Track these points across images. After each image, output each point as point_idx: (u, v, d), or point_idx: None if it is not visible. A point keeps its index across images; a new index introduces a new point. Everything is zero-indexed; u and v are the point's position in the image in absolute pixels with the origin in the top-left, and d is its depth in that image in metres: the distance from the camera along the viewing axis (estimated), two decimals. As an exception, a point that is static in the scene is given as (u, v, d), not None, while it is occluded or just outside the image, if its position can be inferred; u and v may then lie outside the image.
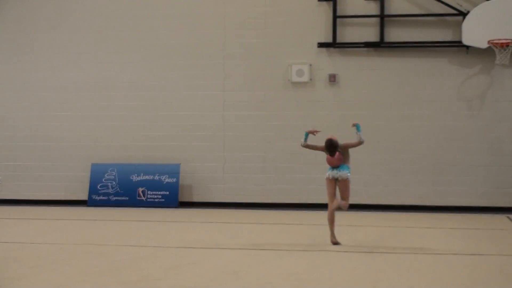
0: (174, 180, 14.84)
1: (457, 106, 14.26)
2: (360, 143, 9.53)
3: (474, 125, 14.21)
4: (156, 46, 15.19)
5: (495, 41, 13.41)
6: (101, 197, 15.05)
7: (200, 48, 15.04)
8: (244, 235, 10.33)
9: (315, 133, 9.84)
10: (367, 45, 14.43)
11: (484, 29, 13.49)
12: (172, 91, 15.11)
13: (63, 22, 15.51)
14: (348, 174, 9.44)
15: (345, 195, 9.48)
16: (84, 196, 15.28)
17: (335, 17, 14.45)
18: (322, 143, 9.59)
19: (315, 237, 9.88)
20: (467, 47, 13.92)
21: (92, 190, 15.10)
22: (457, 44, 14.04)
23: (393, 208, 14.25)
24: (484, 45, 13.58)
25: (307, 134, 9.80)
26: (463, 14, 13.90)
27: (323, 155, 9.55)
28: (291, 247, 8.87)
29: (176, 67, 15.11)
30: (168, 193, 14.85)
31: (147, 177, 14.99)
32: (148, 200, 14.91)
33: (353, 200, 14.06)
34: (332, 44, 14.49)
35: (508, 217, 13.02)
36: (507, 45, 13.40)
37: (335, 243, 9.34)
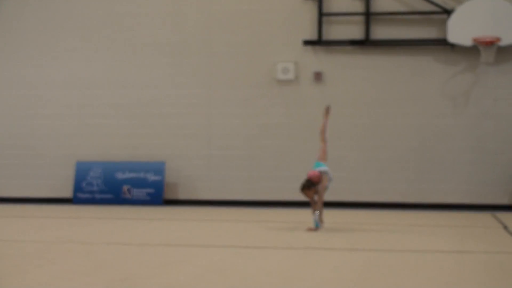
0: (159, 178, 14.80)
1: (442, 104, 14.32)
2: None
3: (458, 122, 14.27)
4: (140, 44, 15.14)
5: (480, 39, 13.46)
6: (86, 195, 15.00)
7: (184, 46, 15.02)
8: (229, 233, 10.31)
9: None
10: (353, 43, 14.45)
11: (469, 27, 13.56)
12: (157, 89, 15.07)
13: (48, 20, 15.43)
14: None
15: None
16: (69, 194, 15.23)
17: (320, 14, 14.47)
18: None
19: (300, 235, 9.87)
20: (452, 45, 13.97)
21: (77, 188, 15.05)
22: (442, 42, 14.10)
23: (377, 206, 14.30)
24: (469, 43, 13.63)
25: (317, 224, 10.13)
26: (448, 12, 13.96)
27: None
28: (276, 245, 8.86)
29: (161, 65, 15.07)
30: (153, 190, 14.82)
31: (132, 175, 14.95)
32: (133, 198, 14.87)
33: (337, 197, 14.17)
34: (318, 42, 14.50)
35: (492, 215, 13.08)
36: (492, 43, 13.46)
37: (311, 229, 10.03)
